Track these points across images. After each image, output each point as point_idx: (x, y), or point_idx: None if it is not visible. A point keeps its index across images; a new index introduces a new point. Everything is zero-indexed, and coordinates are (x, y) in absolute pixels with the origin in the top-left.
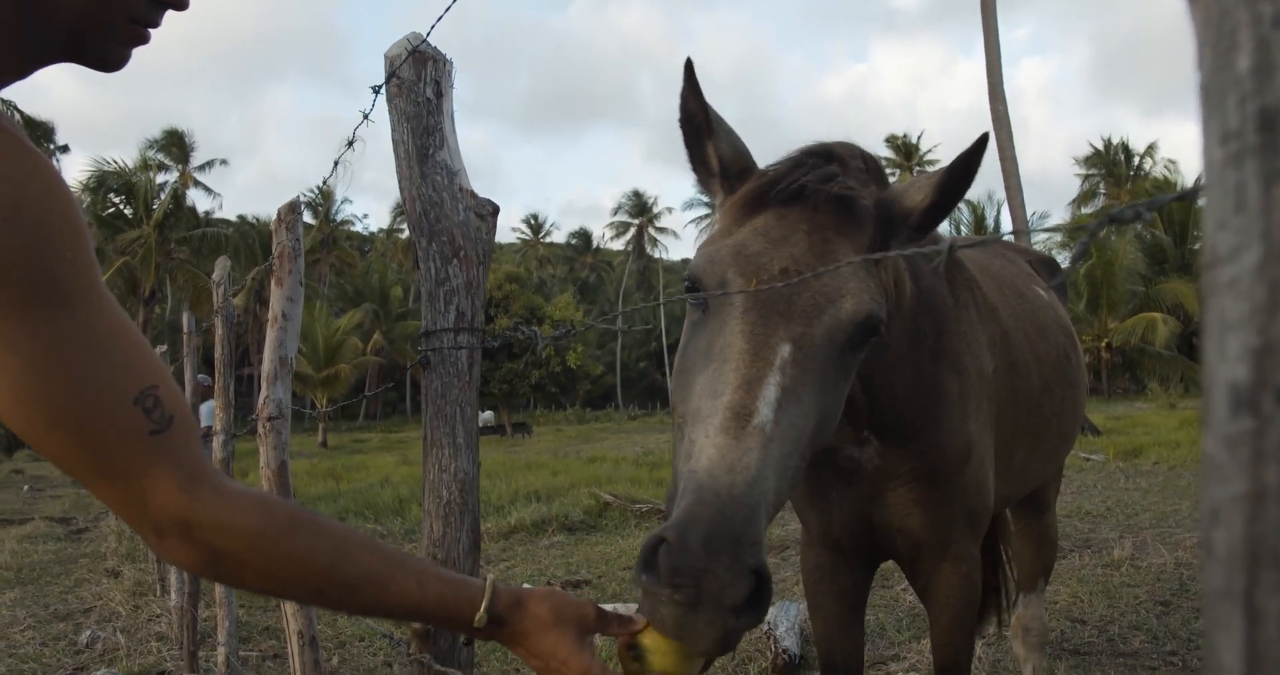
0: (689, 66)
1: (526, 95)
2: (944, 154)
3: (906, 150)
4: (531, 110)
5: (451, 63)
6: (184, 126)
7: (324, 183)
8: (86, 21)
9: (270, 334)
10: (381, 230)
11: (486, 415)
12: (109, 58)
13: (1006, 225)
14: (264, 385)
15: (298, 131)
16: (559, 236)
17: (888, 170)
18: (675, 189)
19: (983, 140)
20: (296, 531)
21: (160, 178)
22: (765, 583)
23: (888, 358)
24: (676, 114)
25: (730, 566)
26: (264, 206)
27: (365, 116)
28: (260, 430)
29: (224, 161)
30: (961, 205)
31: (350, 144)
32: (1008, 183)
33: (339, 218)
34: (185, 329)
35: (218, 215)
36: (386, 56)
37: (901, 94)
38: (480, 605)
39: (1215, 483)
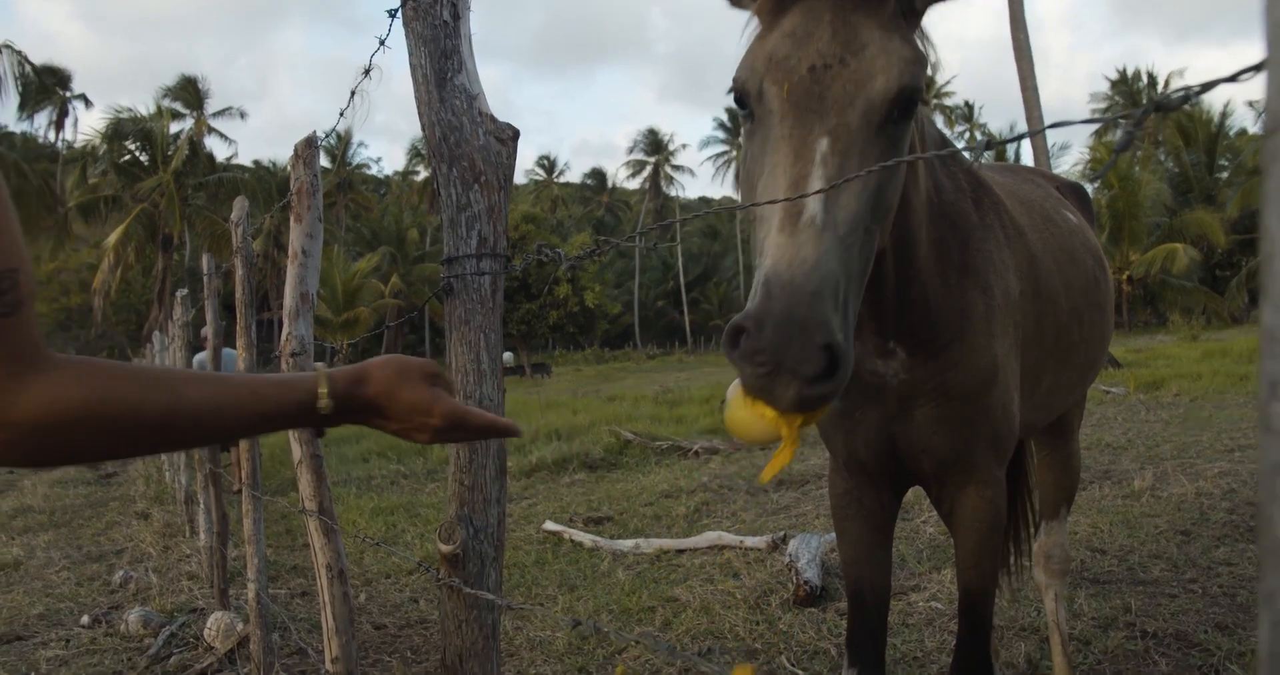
0: None
1: (536, 33)
2: (961, 86)
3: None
4: (541, 48)
5: None
6: (196, 73)
7: (341, 114)
8: None
9: (291, 270)
10: (397, 173)
11: (505, 356)
12: None
13: (1027, 157)
14: (286, 322)
15: (307, 75)
16: (573, 176)
17: None
18: (691, 127)
19: None
20: (119, 387)
21: (175, 126)
22: (839, 354)
23: (917, 264)
24: None
25: (802, 346)
26: (278, 152)
27: (382, 43)
28: (283, 367)
29: (243, 114)
30: (979, 135)
31: (367, 72)
32: (1029, 113)
33: (354, 161)
34: (205, 271)
35: (234, 163)
36: None
37: None
38: (319, 390)
39: (1275, 356)
